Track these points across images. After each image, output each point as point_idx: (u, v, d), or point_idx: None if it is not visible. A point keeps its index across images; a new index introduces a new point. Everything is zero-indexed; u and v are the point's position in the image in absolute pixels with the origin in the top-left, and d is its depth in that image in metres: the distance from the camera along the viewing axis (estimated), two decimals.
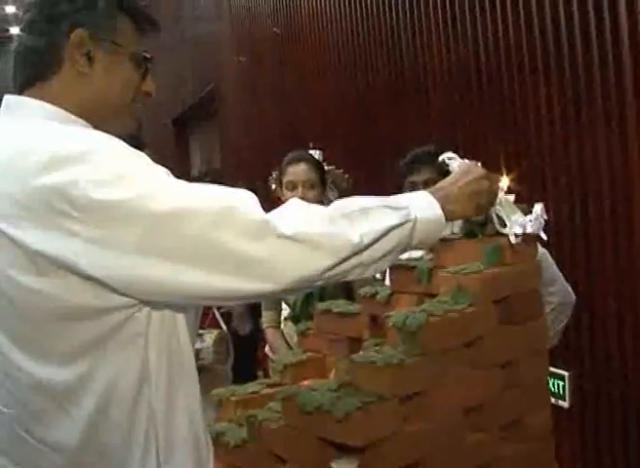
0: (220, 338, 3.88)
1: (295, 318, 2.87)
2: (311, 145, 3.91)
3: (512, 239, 1.61)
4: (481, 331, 1.60)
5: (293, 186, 3.03)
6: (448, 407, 1.55)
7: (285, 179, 3.08)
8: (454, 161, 1.65)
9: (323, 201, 3.01)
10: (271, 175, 4.03)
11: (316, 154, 3.85)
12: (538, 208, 1.62)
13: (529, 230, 1.60)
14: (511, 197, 1.63)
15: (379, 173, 4.51)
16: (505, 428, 1.67)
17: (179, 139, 11.71)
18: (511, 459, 1.66)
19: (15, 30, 17.60)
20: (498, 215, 1.61)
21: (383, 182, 4.18)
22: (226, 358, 3.96)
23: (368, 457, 1.45)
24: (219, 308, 4.53)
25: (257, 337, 4.90)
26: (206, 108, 9.72)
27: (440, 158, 1.66)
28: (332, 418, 1.43)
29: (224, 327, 4.15)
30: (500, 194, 1.57)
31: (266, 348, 3.69)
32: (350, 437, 1.42)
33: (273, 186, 3.94)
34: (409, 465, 1.49)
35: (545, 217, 1.62)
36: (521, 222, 1.59)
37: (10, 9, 16.06)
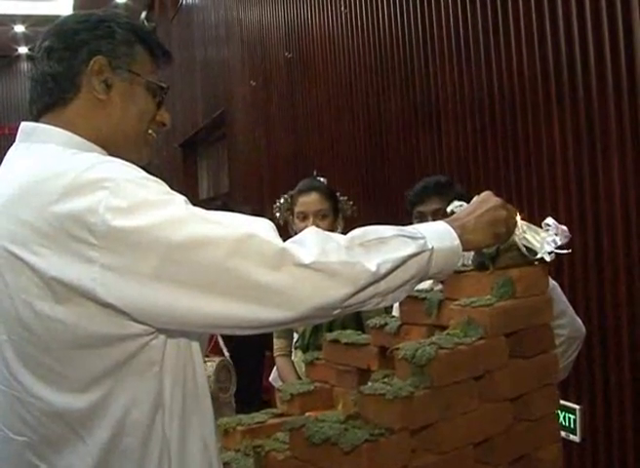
0: (222, 366, 3.86)
1: (304, 347, 2.86)
2: (315, 173, 3.92)
3: (547, 258, 1.58)
4: (491, 364, 1.59)
5: (304, 217, 3.00)
6: (457, 440, 1.54)
7: (296, 209, 3.05)
8: (462, 208, 1.63)
9: (334, 230, 2.99)
10: (275, 202, 4.04)
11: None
12: (550, 220, 1.61)
13: (559, 243, 1.58)
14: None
15: (389, 202, 4.51)
16: (515, 462, 1.65)
17: (187, 163, 11.77)
18: None
19: (23, 50, 17.81)
20: (524, 245, 1.59)
21: (395, 212, 4.19)
22: (229, 386, 3.93)
23: None
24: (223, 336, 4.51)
25: (261, 365, 4.89)
26: (215, 132, 9.79)
27: (449, 208, 1.65)
28: (339, 451, 1.41)
29: (227, 354, 4.14)
30: (520, 221, 1.56)
31: (271, 377, 3.67)
32: None
33: (277, 214, 3.95)
34: None
35: (564, 227, 1.60)
36: (549, 239, 1.58)
37: (19, 28, 16.21)
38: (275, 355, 3.24)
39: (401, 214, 4.35)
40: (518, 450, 1.65)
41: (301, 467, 1.52)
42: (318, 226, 2.94)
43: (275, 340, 3.23)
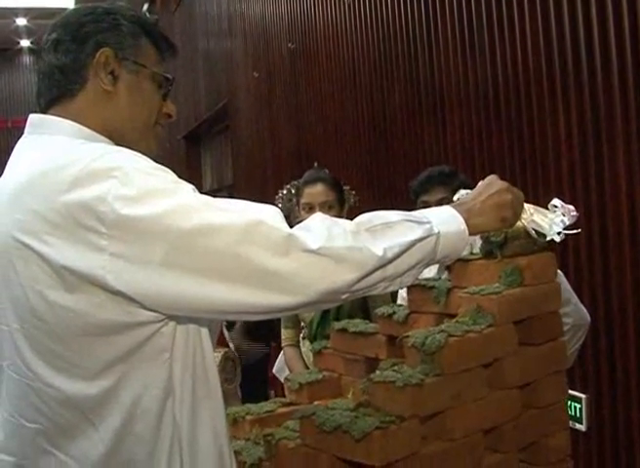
0: (227, 358, 3.87)
1: (311, 337, 2.86)
2: (315, 164, 3.93)
3: (557, 238, 1.58)
4: (500, 352, 1.60)
5: (310, 208, 2.99)
6: (467, 427, 1.54)
7: (302, 201, 3.05)
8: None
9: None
10: (278, 193, 4.04)
11: None
12: (557, 201, 1.61)
13: (567, 223, 1.57)
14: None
15: (394, 192, 4.51)
16: (524, 450, 1.66)
17: (190, 155, 11.76)
18: None
19: (25, 43, 17.77)
20: (533, 228, 1.58)
21: (399, 202, 4.18)
22: (233, 377, 3.95)
23: None
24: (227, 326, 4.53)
25: (267, 357, 4.90)
26: (218, 124, 9.76)
27: (455, 197, 1.64)
28: (350, 438, 1.42)
29: (232, 345, 4.14)
30: (526, 205, 1.55)
31: (274, 369, 3.68)
32: (369, 457, 1.41)
33: (280, 205, 3.95)
34: None
35: (571, 206, 1.60)
36: (557, 220, 1.57)
37: (21, 21, 16.16)
38: (283, 345, 3.25)
39: (405, 205, 4.35)
40: (527, 438, 1.66)
41: (312, 455, 1.52)
42: None
43: (283, 331, 3.23)
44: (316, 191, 3.00)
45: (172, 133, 11.31)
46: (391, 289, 1.32)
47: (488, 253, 1.72)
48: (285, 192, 3.93)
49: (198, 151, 11.78)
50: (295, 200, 3.64)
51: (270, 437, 1.63)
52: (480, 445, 1.57)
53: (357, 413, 1.48)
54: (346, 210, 3.10)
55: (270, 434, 1.65)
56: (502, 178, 1.53)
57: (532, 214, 1.57)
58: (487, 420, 1.58)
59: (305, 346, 3.09)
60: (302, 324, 3.13)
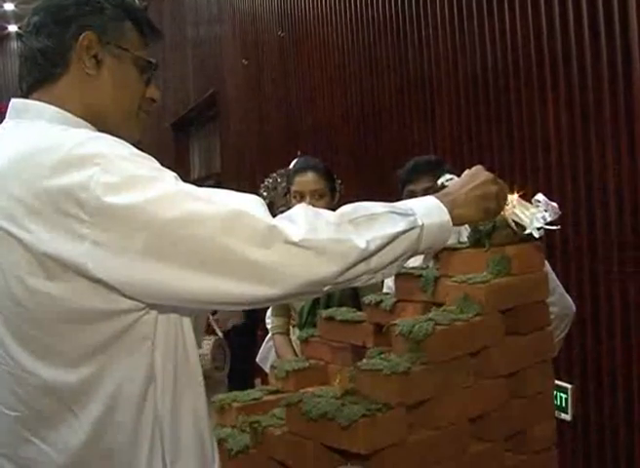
0: (218, 345, 3.89)
1: (301, 325, 2.86)
2: (299, 153, 3.93)
3: (536, 234, 1.58)
4: (487, 340, 1.60)
5: (301, 196, 2.98)
6: (453, 416, 1.55)
7: (293, 189, 3.04)
8: (452, 182, 1.62)
9: (332, 209, 2.99)
10: (264, 182, 4.04)
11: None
12: (540, 197, 1.61)
13: (549, 219, 1.58)
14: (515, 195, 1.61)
15: (382, 182, 4.49)
16: (510, 438, 1.66)
17: (178, 143, 11.68)
18: None
19: (13, 28, 17.58)
20: (514, 220, 1.59)
21: (387, 191, 4.17)
22: (223, 365, 3.97)
23: (372, 465, 1.45)
24: (213, 314, 4.53)
25: (253, 346, 4.91)
26: (207, 112, 9.70)
27: (439, 181, 1.64)
28: (336, 426, 1.42)
29: (220, 334, 4.15)
30: (510, 197, 1.55)
31: (257, 358, 3.69)
32: (355, 444, 1.41)
33: (265, 194, 3.95)
34: None
35: (554, 204, 1.60)
36: (539, 216, 1.58)
37: (8, 6, 15.97)
38: (272, 333, 3.25)
39: (394, 194, 4.35)
40: (513, 427, 1.67)
41: (298, 442, 1.53)
42: (315, 206, 2.96)
43: (273, 318, 3.23)
44: (307, 180, 2.99)
45: (160, 120, 11.25)
46: (374, 280, 1.32)
47: (476, 241, 1.72)
48: (270, 180, 3.93)
49: (186, 139, 11.71)
50: (280, 189, 3.64)
51: (257, 424, 1.64)
52: (466, 433, 1.58)
53: (344, 401, 1.48)
54: (337, 199, 3.09)
55: (257, 421, 1.65)
56: (491, 169, 1.53)
57: (514, 207, 1.57)
58: (473, 409, 1.59)
59: (295, 334, 3.09)
60: (292, 312, 3.13)
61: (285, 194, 3.69)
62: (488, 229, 1.68)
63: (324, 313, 2.02)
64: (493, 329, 1.61)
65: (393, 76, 4.46)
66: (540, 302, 1.71)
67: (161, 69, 11.60)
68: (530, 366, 1.68)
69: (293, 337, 3.13)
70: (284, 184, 3.78)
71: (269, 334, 3.52)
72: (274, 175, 3.92)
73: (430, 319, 1.55)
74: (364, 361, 1.58)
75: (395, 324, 1.58)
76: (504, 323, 1.63)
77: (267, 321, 3.47)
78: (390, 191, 4.14)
